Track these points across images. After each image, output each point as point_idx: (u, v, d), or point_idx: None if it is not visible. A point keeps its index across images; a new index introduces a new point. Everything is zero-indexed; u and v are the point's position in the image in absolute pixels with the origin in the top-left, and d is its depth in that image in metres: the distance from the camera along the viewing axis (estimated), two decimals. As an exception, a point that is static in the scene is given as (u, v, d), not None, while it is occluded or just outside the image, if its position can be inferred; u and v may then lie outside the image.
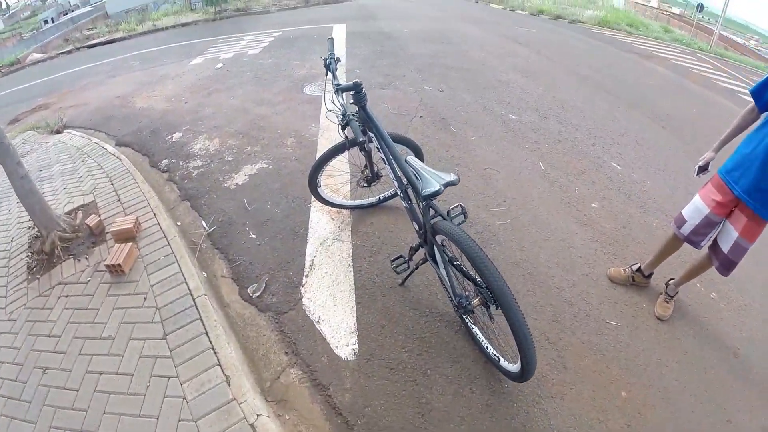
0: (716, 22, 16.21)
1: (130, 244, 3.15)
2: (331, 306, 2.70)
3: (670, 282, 2.81)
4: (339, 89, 2.50)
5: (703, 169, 2.59)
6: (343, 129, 2.50)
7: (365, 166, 3.03)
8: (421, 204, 2.25)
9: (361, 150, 2.90)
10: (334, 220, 3.34)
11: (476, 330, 2.40)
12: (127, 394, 2.38)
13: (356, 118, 2.54)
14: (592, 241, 3.14)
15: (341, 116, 2.48)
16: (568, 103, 5.23)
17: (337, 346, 2.48)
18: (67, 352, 2.71)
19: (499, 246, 3.00)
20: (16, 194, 3.24)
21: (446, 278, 2.28)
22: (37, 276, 3.26)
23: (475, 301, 2.15)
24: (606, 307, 2.69)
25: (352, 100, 2.54)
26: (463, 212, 2.28)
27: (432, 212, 2.24)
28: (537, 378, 2.26)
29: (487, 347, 2.31)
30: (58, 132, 5.34)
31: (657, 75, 8.01)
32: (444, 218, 2.18)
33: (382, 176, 3.03)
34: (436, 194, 1.97)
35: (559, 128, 4.57)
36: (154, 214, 3.50)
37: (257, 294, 2.85)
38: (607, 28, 13.03)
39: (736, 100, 7.24)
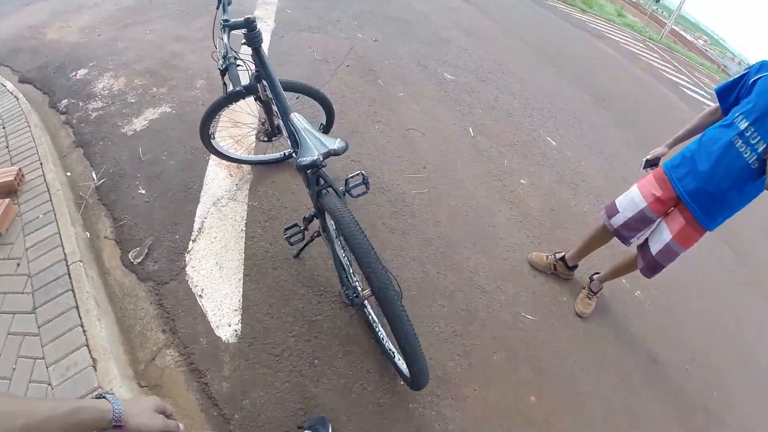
0: (670, 15, 17.41)
1: (8, 200, 2.88)
2: (217, 277, 2.53)
3: (594, 277, 2.66)
4: (227, 26, 2.12)
5: (651, 163, 2.35)
6: (222, 75, 2.14)
7: (264, 118, 2.72)
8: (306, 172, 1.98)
9: (256, 100, 2.57)
10: (232, 176, 3.08)
11: (373, 317, 2.24)
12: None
13: (240, 63, 2.18)
14: (516, 222, 2.95)
15: (222, 59, 2.12)
16: (508, 68, 4.80)
17: (218, 326, 2.34)
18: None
19: (412, 218, 2.80)
20: None
21: (336, 261, 2.09)
22: None
23: (366, 292, 1.91)
24: (523, 298, 2.56)
25: (244, 41, 2.21)
26: (365, 182, 2.07)
27: (321, 182, 1.96)
28: (438, 375, 2.16)
29: (383, 339, 2.16)
30: (-45, 64, 4.77)
31: (605, 56, 7.69)
32: (335, 190, 1.93)
33: (281, 131, 2.73)
34: (312, 165, 1.69)
35: (496, 94, 4.19)
36: (41, 164, 3.19)
37: (139, 260, 2.67)
38: (561, 2, 12.54)
39: (679, 93, 7.04)
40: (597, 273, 2.65)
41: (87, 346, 2.24)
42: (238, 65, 2.12)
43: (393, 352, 2.08)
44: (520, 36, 6.43)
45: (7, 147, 3.43)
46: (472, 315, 2.40)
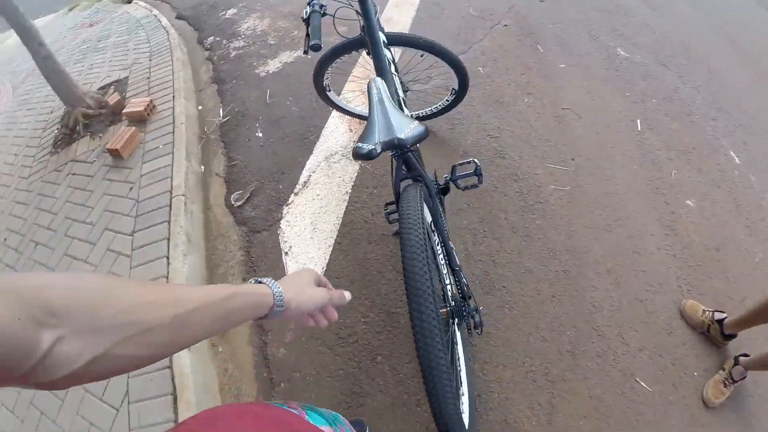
0: None
1: (133, 128, 3.14)
2: (308, 238, 2.40)
3: (741, 359, 1.88)
4: None
5: None
6: (306, 25, 1.86)
7: None
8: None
9: (368, 54, 2.32)
10: (352, 131, 2.91)
11: (458, 338, 1.79)
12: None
13: (324, 11, 1.89)
14: (669, 254, 2.22)
15: (308, 6, 1.90)
16: (696, 53, 3.72)
17: (294, 288, 2.23)
18: (56, 231, 2.89)
19: (542, 219, 2.29)
20: (42, 74, 3.37)
21: None
22: (58, 150, 3.49)
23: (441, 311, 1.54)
24: (645, 358, 1.90)
25: None
26: (477, 173, 1.79)
27: (403, 169, 1.55)
28: (506, 420, 1.74)
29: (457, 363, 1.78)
30: (128, 2, 5.54)
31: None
32: (426, 184, 1.54)
33: (407, 90, 2.43)
34: (365, 158, 1.28)
35: (677, 83, 3.27)
36: (173, 97, 3.43)
37: (239, 203, 2.67)
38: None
39: None
40: (746, 355, 1.87)
41: (166, 278, 2.29)
42: (313, 12, 1.84)
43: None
44: (714, 17, 5.18)
45: (148, 78, 3.78)
46: (576, 361, 1.84)
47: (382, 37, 1.91)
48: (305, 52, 1.73)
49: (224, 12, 4.56)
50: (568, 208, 2.31)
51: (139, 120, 3.27)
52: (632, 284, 2.07)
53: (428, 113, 2.60)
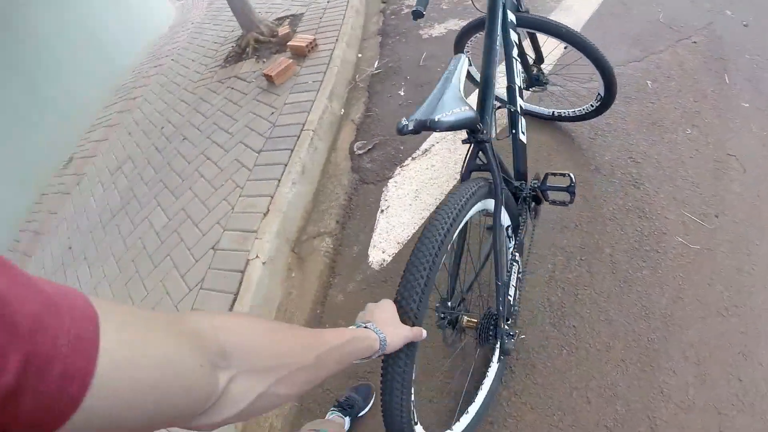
0: None
1: (291, 61, 3.52)
2: (407, 204, 2.53)
3: None
4: None
5: None
6: None
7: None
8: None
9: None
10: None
11: (495, 357, 1.72)
12: (207, 181, 2.93)
13: None
14: None
15: None
16: None
17: (375, 246, 2.39)
18: (202, 131, 3.41)
19: (650, 271, 1.96)
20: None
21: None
22: (226, 65, 4.05)
23: (468, 320, 1.52)
24: None
25: None
26: (570, 190, 1.74)
27: (480, 160, 1.51)
28: None
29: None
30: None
31: None
32: (506, 180, 1.54)
33: (547, 82, 2.37)
34: (397, 131, 1.23)
35: None
36: (336, 41, 3.76)
37: (360, 152, 2.90)
38: None
39: None
40: None
41: (271, 198, 2.60)
42: None
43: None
44: None
45: (320, 18, 4.16)
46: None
47: (511, 17, 1.84)
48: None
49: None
50: (686, 270, 1.99)
51: (300, 54, 3.66)
52: (719, 388, 1.72)
53: (569, 115, 2.49)
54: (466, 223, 1.36)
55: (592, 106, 2.32)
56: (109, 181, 3.75)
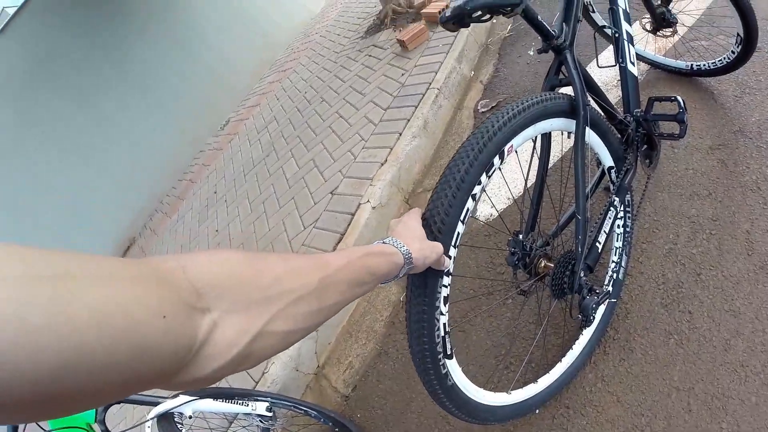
0: None
1: (423, 26, 3.58)
2: (515, 164, 2.44)
3: None
4: None
5: None
6: None
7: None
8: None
9: None
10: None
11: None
12: (336, 136, 3.12)
13: None
14: None
15: None
16: None
17: (484, 200, 2.34)
18: (339, 94, 3.64)
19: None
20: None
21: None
22: (366, 36, 4.25)
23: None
24: None
25: None
26: (679, 118, 1.48)
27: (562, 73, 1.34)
28: None
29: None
30: None
31: None
32: (575, 100, 1.24)
33: (675, 21, 2.06)
34: (450, 18, 1.13)
35: None
36: (473, 9, 3.74)
37: (483, 110, 2.85)
38: None
39: None
40: None
41: (390, 149, 2.68)
42: None
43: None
44: None
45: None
46: None
47: None
48: None
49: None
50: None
51: (434, 21, 3.68)
52: None
53: (710, 67, 2.14)
54: (544, 140, 1.27)
55: (733, 52, 1.94)
56: (255, 138, 4.17)
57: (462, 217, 1.02)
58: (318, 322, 0.56)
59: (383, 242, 0.76)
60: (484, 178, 1.05)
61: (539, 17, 1.23)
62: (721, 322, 1.50)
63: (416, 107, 2.86)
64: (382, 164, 2.61)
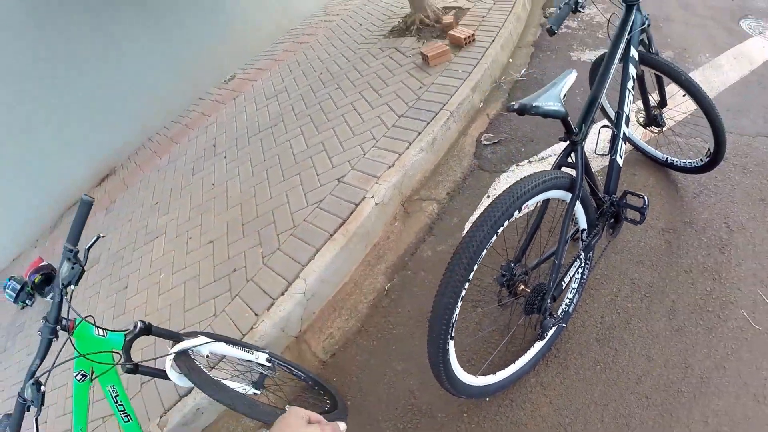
0: None
1: (448, 48, 3.90)
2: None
3: None
4: None
5: None
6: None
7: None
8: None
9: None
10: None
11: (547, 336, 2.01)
12: (349, 127, 3.40)
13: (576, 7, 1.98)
14: None
15: None
16: None
17: (472, 221, 2.70)
18: (356, 86, 3.92)
19: (704, 331, 2.02)
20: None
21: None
22: (389, 37, 4.53)
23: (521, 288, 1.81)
24: None
25: None
26: (642, 210, 1.98)
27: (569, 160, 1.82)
28: None
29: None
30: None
31: None
32: (573, 181, 1.72)
33: (663, 125, 2.51)
34: (508, 108, 1.64)
35: None
36: (492, 41, 4.09)
37: (486, 143, 3.23)
38: None
39: None
40: None
41: (399, 155, 3.00)
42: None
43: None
44: None
45: (483, 17, 4.48)
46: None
47: (633, 52, 2.04)
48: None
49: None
50: (739, 344, 2.00)
51: (457, 45, 4.02)
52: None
53: (680, 164, 2.53)
54: (544, 203, 1.71)
55: (701, 161, 2.41)
56: (263, 104, 4.37)
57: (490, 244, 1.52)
58: None
59: None
60: (506, 222, 1.52)
61: (570, 118, 1.66)
62: (638, 363, 1.99)
63: (428, 123, 3.20)
64: (390, 167, 2.94)
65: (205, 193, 3.63)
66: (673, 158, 2.63)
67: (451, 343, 1.61)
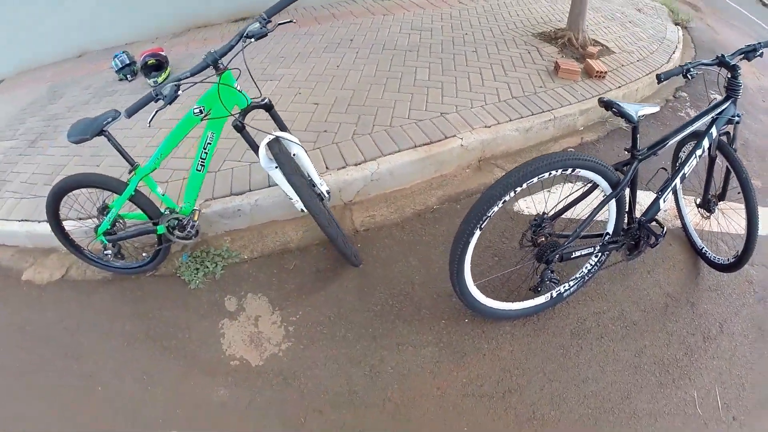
0: None
1: (579, 71, 4.24)
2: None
3: None
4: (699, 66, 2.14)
5: None
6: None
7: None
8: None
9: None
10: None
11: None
12: (469, 84, 3.81)
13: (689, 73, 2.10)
14: None
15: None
16: None
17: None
18: (490, 57, 4.30)
19: (643, 402, 2.29)
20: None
21: None
22: (536, 37, 4.89)
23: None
24: None
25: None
26: (658, 236, 2.36)
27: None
28: None
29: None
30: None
31: None
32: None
33: (713, 212, 2.75)
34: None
35: None
36: (617, 87, 4.39)
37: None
38: None
39: None
40: None
41: (497, 122, 3.43)
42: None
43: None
44: None
45: (622, 66, 4.75)
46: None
47: (714, 131, 2.28)
48: None
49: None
50: (676, 411, 2.31)
51: (588, 72, 4.34)
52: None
53: (711, 258, 2.79)
54: (591, 186, 2.21)
55: (728, 260, 2.64)
56: (407, 31, 4.83)
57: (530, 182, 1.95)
58: None
59: None
60: (550, 173, 1.94)
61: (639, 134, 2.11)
62: (591, 367, 2.37)
63: (532, 114, 3.60)
64: (486, 127, 3.36)
65: (327, 69, 4.11)
66: (707, 249, 2.83)
67: (467, 259, 2.14)
